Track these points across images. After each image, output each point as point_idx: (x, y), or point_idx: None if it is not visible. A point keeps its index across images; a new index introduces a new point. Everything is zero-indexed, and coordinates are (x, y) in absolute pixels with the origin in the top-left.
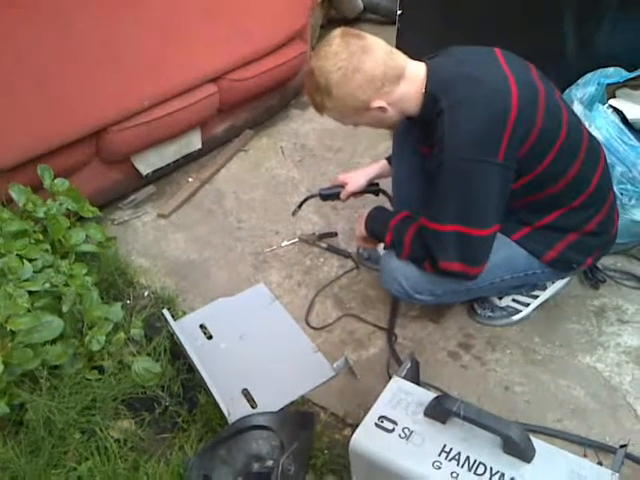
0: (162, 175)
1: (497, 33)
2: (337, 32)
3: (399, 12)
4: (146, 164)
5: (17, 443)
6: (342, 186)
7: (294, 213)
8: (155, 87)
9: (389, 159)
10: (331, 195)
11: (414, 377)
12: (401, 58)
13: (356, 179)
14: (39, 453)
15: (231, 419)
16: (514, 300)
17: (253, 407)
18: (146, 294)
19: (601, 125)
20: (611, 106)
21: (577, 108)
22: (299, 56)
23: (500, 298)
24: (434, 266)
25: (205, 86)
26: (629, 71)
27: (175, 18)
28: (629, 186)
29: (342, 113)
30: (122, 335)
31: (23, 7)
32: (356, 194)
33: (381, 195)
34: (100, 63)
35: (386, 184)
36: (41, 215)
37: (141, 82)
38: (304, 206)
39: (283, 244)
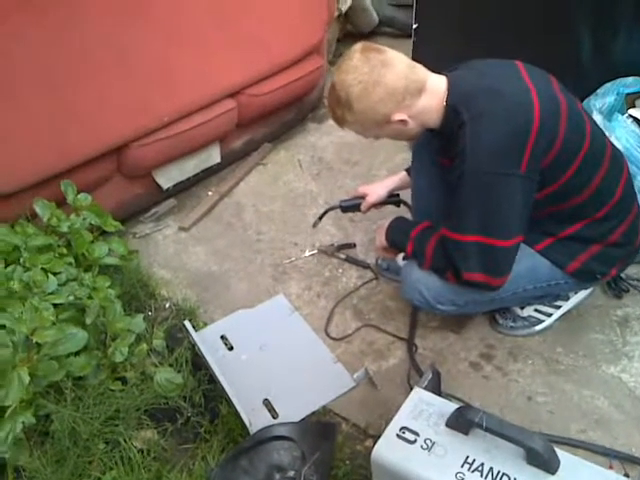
0: (182, 189)
1: (513, 45)
2: (358, 46)
3: (415, 25)
4: (167, 178)
5: (43, 453)
6: (362, 198)
7: (315, 225)
8: (174, 103)
9: (408, 170)
10: (352, 207)
11: (435, 388)
12: (422, 71)
13: (376, 190)
14: (64, 463)
15: (252, 429)
16: (536, 310)
17: (274, 417)
18: (167, 306)
19: (621, 135)
20: (631, 116)
21: (596, 118)
22: (316, 70)
23: (522, 308)
24: (457, 276)
25: (224, 101)
26: None
27: (194, 35)
28: None
29: (363, 126)
30: (144, 346)
31: (40, 26)
32: (376, 205)
33: (402, 206)
34: (120, 80)
35: (406, 195)
36: (65, 229)
37: (160, 98)
38: (324, 218)
39: (302, 255)
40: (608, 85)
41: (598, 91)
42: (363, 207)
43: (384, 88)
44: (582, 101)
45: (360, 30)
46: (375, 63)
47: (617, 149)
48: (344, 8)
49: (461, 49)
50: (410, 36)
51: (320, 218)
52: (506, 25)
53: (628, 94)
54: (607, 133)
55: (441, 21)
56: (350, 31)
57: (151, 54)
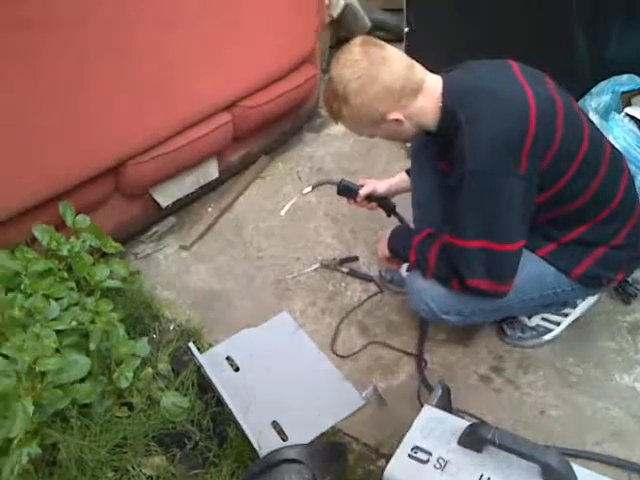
0: (182, 206)
1: (506, 46)
2: (358, 40)
3: (406, 29)
4: (165, 196)
5: None
6: (362, 186)
7: (304, 193)
8: (170, 119)
9: (409, 172)
10: (349, 189)
11: (446, 404)
12: (420, 71)
13: (376, 184)
14: None
15: (262, 452)
16: (544, 319)
17: (283, 440)
18: (172, 327)
19: (619, 134)
20: (628, 114)
21: (593, 118)
22: (310, 79)
23: (530, 317)
24: (461, 284)
25: (219, 115)
26: None
27: (186, 50)
28: None
29: (358, 123)
30: (150, 370)
31: (35, 47)
32: (372, 201)
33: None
34: (114, 99)
35: (400, 205)
36: (65, 253)
37: (156, 114)
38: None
39: (305, 270)
40: (603, 84)
41: (593, 90)
42: (361, 192)
43: (382, 85)
44: (577, 101)
45: (352, 35)
46: (374, 58)
47: (616, 149)
48: (335, 13)
49: (453, 51)
50: (402, 40)
51: (313, 187)
52: (498, 26)
53: (623, 92)
54: (604, 133)
55: (433, 24)
56: (342, 38)
57: (144, 70)
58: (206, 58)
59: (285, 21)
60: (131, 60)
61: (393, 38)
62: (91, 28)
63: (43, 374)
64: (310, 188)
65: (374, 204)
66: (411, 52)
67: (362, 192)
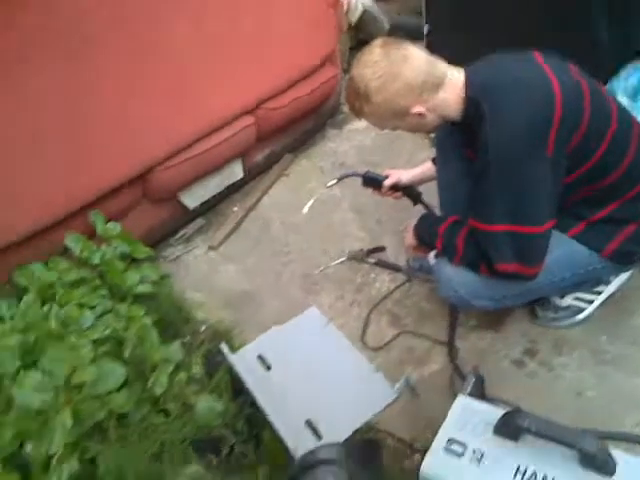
0: (208, 207)
1: (527, 38)
2: (378, 42)
3: (426, 29)
4: (192, 198)
5: None
6: (387, 177)
7: (328, 185)
8: (195, 124)
9: (434, 160)
10: (373, 180)
11: (479, 392)
12: (441, 66)
13: (400, 174)
14: None
15: (297, 453)
16: (577, 298)
17: (319, 438)
18: (203, 329)
19: None
20: None
21: (621, 100)
22: (331, 80)
23: (562, 297)
24: (490, 269)
25: (242, 118)
26: None
27: (208, 54)
28: None
29: (380, 118)
30: (183, 375)
31: (57, 59)
32: (396, 191)
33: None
34: (140, 106)
35: (427, 193)
36: (97, 261)
37: (181, 120)
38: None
39: (332, 263)
40: (629, 66)
41: (620, 73)
42: (385, 183)
43: (402, 82)
44: (605, 83)
45: (372, 38)
46: (394, 58)
47: None
48: (354, 19)
49: (474, 48)
50: (421, 39)
51: (339, 180)
52: (518, 19)
53: None
54: (634, 113)
55: (452, 22)
56: (362, 39)
57: (169, 77)
58: (228, 63)
59: (307, 24)
60: (157, 67)
61: (413, 38)
62: (124, 35)
63: (79, 386)
64: (335, 180)
65: (399, 193)
66: (431, 51)
67: (387, 182)
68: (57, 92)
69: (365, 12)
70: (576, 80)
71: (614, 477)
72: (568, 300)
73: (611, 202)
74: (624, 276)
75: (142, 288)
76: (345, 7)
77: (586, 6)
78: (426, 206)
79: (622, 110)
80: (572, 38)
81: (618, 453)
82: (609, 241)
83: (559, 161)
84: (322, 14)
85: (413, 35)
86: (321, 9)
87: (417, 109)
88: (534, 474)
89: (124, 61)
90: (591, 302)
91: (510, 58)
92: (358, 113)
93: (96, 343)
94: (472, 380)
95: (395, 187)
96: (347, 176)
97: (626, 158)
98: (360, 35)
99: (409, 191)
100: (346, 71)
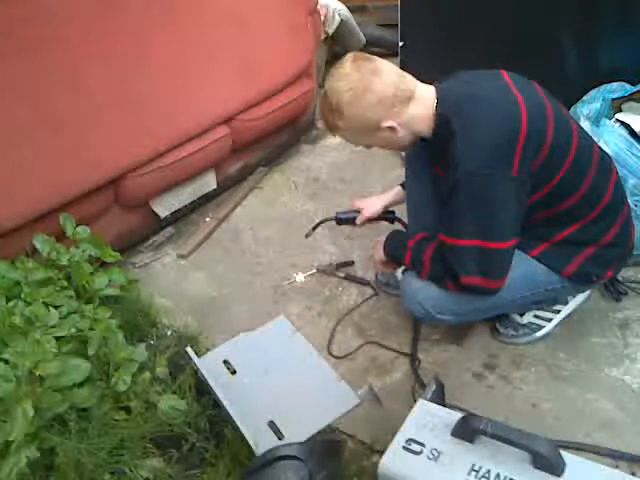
0: (180, 216)
1: (498, 59)
2: (349, 56)
3: (401, 44)
4: (164, 207)
5: None
6: (358, 211)
7: (307, 235)
8: (169, 133)
9: (403, 185)
10: (347, 219)
11: (440, 399)
12: (411, 80)
13: (372, 204)
14: None
15: (259, 451)
16: (536, 316)
17: (280, 438)
18: (169, 333)
19: (610, 139)
20: (618, 120)
21: (584, 124)
22: (307, 93)
23: (522, 315)
24: (455, 282)
25: (217, 128)
26: (632, 84)
27: (184, 64)
28: None
29: (354, 133)
30: (147, 375)
31: (34, 62)
32: (372, 220)
33: (396, 223)
34: (116, 112)
35: (401, 212)
36: (65, 262)
37: (155, 128)
38: (319, 237)
39: (301, 276)
40: (593, 92)
41: (584, 98)
42: (358, 220)
43: (374, 95)
44: (568, 109)
45: (348, 51)
46: (365, 71)
47: (604, 152)
48: (330, 31)
49: (447, 64)
50: (397, 54)
51: (314, 228)
52: (490, 38)
53: (614, 99)
54: (596, 138)
55: (426, 38)
56: (338, 53)
57: (144, 85)
58: (205, 73)
59: (283, 37)
60: (131, 75)
61: (388, 53)
62: (92, 42)
63: (42, 378)
64: (310, 230)
65: (374, 221)
66: (406, 66)
67: (358, 221)
68: (23, 94)
69: (342, 23)
70: (541, 100)
71: (562, 477)
72: (528, 318)
73: (571, 224)
74: (582, 296)
75: (109, 291)
76: (322, 17)
77: (555, 35)
78: (403, 224)
79: (583, 132)
80: (541, 64)
81: (567, 455)
82: (569, 262)
83: (524, 180)
84: (300, 23)
85: (389, 48)
86: (300, 17)
87: (389, 123)
88: (488, 472)
89: (100, 67)
90: (550, 320)
91: (479, 76)
92: (332, 128)
93: (60, 341)
94: (433, 387)
95: (369, 219)
96: (321, 223)
97: (586, 181)
98: (337, 48)
99: (384, 216)
100: (321, 85)
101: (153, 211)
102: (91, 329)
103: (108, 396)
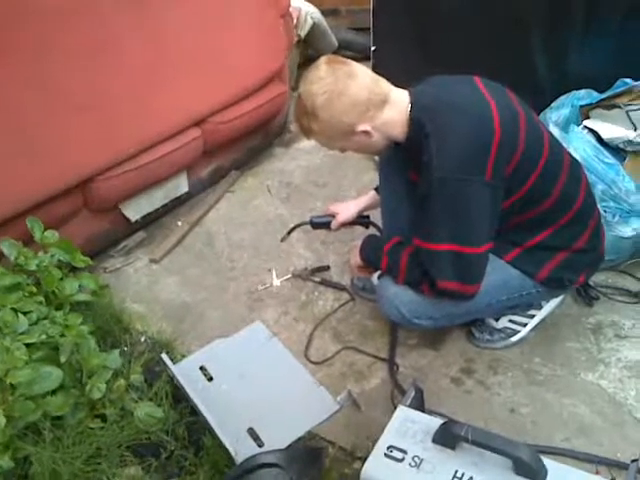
0: (151, 220)
1: (470, 64)
2: (324, 59)
3: (373, 48)
4: (135, 210)
5: None
6: (333, 216)
7: (283, 239)
8: (139, 134)
9: (377, 189)
10: (322, 224)
11: (419, 405)
12: (385, 84)
13: (347, 209)
14: None
15: (238, 459)
16: (511, 321)
17: (260, 446)
18: (143, 340)
19: (578, 146)
20: (586, 127)
21: (553, 130)
22: (279, 96)
23: (497, 320)
24: (431, 286)
25: (189, 130)
26: (600, 92)
27: (156, 65)
28: (611, 203)
29: (328, 136)
30: (122, 382)
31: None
32: (346, 224)
33: (371, 228)
34: (83, 113)
35: (375, 217)
36: (33, 268)
37: (125, 130)
38: (294, 241)
39: (277, 281)
40: (562, 98)
41: (553, 105)
42: (333, 225)
43: (348, 98)
44: (538, 114)
45: (320, 54)
46: (340, 74)
47: (574, 158)
48: (303, 33)
49: (419, 69)
50: (369, 58)
51: (289, 233)
52: (462, 44)
53: (582, 106)
54: (565, 144)
55: (398, 42)
56: (310, 56)
57: (114, 86)
58: (176, 75)
59: (255, 39)
60: (100, 76)
61: (360, 57)
62: (59, 45)
63: (14, 387)
64: (285, 234)
65: (349, 226)
66: (378, 70)
67: (333, 226)
68: None
69: (315, 26)
70: (513, 106)
71: None
72: (503, 322)
73: (543, 229)
74: (555, 301)
75: (80, 297)
76: (295, 20)
77: (526, 42)
78: (378, 228)
79: (553, 138)
80: (512, 70)
81: (549, 462)
82: (542, 267)
83: (498, 185)
84: (273, 25)
85: (361, 51)
86: (272, 19)
87: (363, 127)
88: (470, 478)
89: (67, 67)
90: (525, 325)
91: (452, 81)
92: (307, 132)
93: (30, 348)
94: (412, 393)
95: (343, 224)
96: (295, 228)
97: (557, 185)
98: (309, 51)
99: (358, 220)
100: (294, 89)
101: (124, 215)
102: (62, 335)
103: (82, 404)
